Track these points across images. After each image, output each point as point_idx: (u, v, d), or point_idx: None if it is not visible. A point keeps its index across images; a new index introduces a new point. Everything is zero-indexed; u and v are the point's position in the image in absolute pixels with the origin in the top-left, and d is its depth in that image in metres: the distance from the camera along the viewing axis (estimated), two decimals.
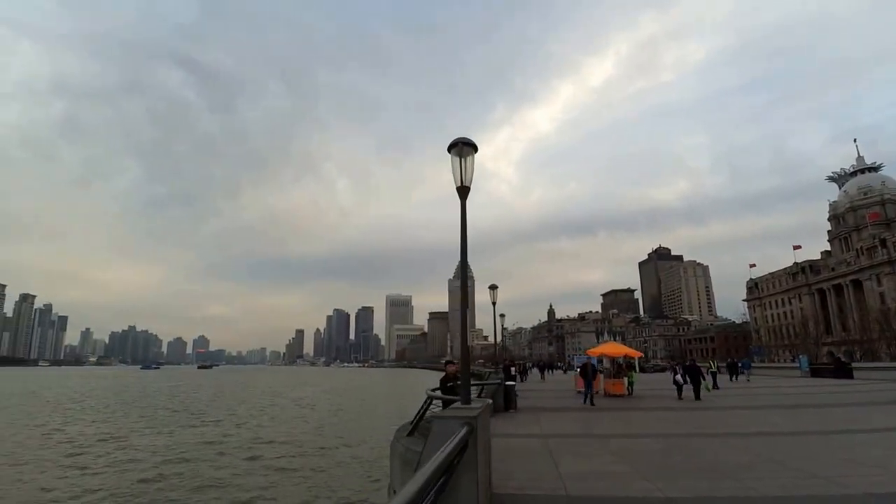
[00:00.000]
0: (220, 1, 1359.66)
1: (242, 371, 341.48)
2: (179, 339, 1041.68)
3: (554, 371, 77.87)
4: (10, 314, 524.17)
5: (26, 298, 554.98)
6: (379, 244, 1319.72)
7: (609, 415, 20.29)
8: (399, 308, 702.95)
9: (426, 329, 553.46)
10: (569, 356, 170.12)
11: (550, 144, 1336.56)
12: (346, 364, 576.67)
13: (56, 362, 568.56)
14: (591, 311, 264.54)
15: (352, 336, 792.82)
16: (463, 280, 8.63)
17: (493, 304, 29.07)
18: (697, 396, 25.90)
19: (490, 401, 12.30)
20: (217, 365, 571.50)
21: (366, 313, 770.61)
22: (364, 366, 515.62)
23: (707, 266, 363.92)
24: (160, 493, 21.62)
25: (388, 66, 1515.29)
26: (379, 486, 21.72)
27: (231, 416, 49.40)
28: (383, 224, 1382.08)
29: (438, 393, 13.48)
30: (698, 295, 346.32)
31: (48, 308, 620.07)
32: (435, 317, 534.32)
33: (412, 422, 12.56)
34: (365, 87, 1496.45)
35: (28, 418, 47.32)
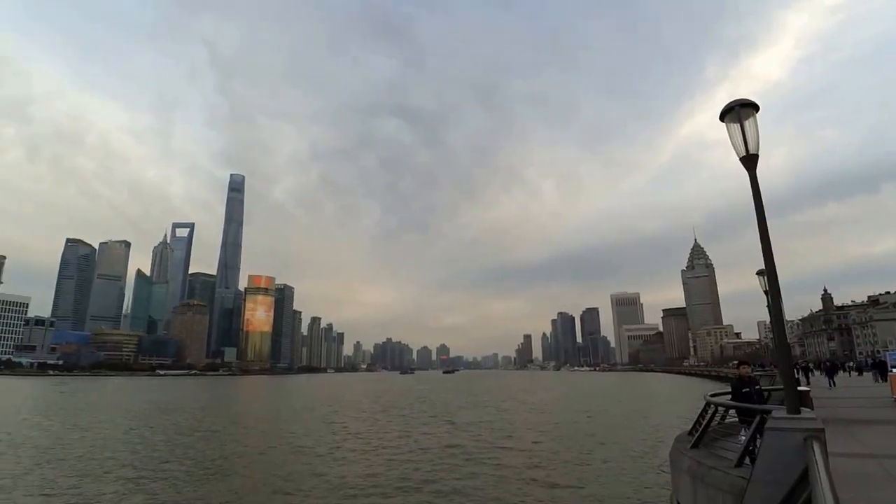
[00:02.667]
0: (415, 50, 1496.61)
1: (482, 375, 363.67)
2: (425, 347, 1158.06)
3: (848, 372, 56.88)
4: (305, 333, 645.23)
5: (315, 321, 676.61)
6: (594, 242, 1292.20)
7: None
8: (626, 307, 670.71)
9: (660, 328, 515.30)
10: (862, 353, 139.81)
11: (786, 91, 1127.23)
12: (576, 368, 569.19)
13: (338, 369, 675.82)
14: (887, 293, 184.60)
15: (578, 339, 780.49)
16: (770, 268, 7.46)
17: (766, 292, 25.85)
18: None
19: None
20: (457, 370, 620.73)
21: (591, 315, 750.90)
22: (595, 369, 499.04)
23: None
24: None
25: (577, 58, 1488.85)
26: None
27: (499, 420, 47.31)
28: (596, 220, 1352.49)
29: (721, 399, 11.56)
30: None
31: (330, 327, 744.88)
32: (670, 314, 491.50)
33: (692, 431, 11.41)
34: (557, 87, 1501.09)
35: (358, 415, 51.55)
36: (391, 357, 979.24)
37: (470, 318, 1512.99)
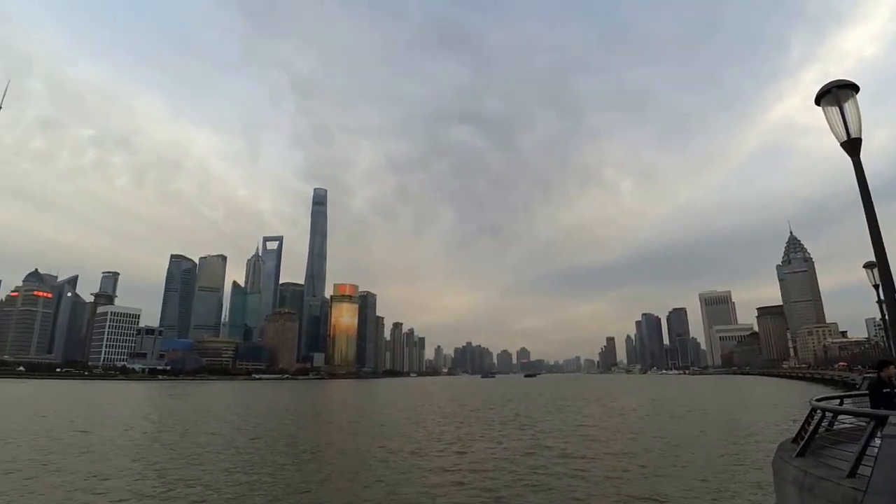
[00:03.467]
0: (482, 57, 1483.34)
1: (564, 379, 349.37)
2: (505, 351, 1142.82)
3: None
4: (388, 338, 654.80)
5: (397, 326, 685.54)
6: (678, 239, 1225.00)
7: None
8: (716, 307, 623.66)
9: (755, 328, 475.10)
10: None
11: (883, 68, 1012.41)
12: (664, 371, 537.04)
13: (420, 373, 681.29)
14: None
15: (665, 341, 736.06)
16: (882, 260, 6.65)
17: (876, 286, 19.05)
18: None
19: None
20: (539, 373, 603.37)
21: (678, 315, 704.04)
22: (684, 372, 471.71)
23: None
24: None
25: (649, 48, 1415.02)
26: None
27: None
28: (678, 216, 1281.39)
29: (829, 404, 9.91)
30: None
31: (411, 332, 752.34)
32: (765, 312, 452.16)
33: (797, 438, 9.98)
34: (630, 80, 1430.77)
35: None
36: (471, 361, 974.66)
37: (549, 321, 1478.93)
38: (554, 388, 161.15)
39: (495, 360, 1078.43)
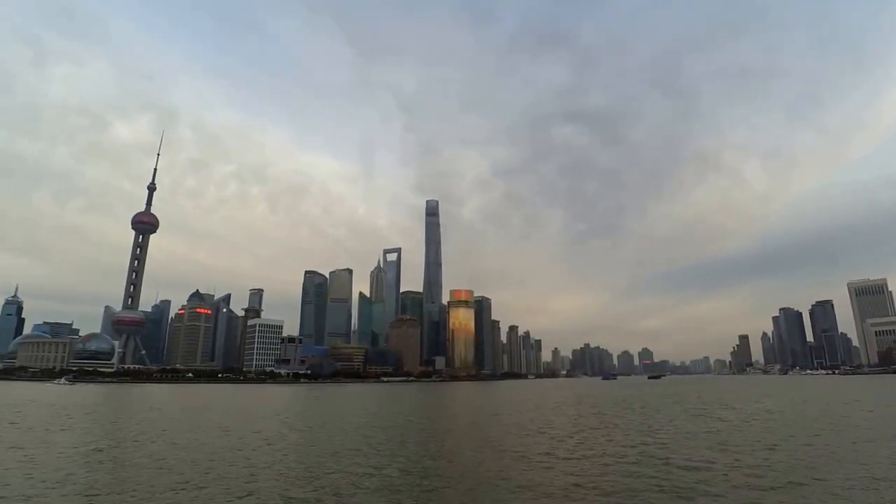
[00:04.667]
0: (582, 52, 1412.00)
1: (691, 380, 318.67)
2: (626, 352, 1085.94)
3: None
4: (505, 341, 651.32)
5: (513, 329, 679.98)
6: (816, 224, 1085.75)
7: None
8: (870, 297, 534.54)
9: None
10: None
11: None
12: (808, 371, 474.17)
13: (538, 375, 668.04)
14: None
15: (809, 338, 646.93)
16: None
17: None
18: None
19: None
20: (663, 375, 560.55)
21: (823, 309, 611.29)
22: (833, 372, 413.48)
23: None
24: None
25: (771, 14, 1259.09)
26: None
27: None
28: (815, 199, 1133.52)
29: None
30: None
31: (527, 335, 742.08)
32: None
33: None
34: (750, 53, 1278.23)
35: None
36: (590, 362, 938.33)
37: (670, 320, 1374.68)
38: (679, 389, 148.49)
39: (615, 362, 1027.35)
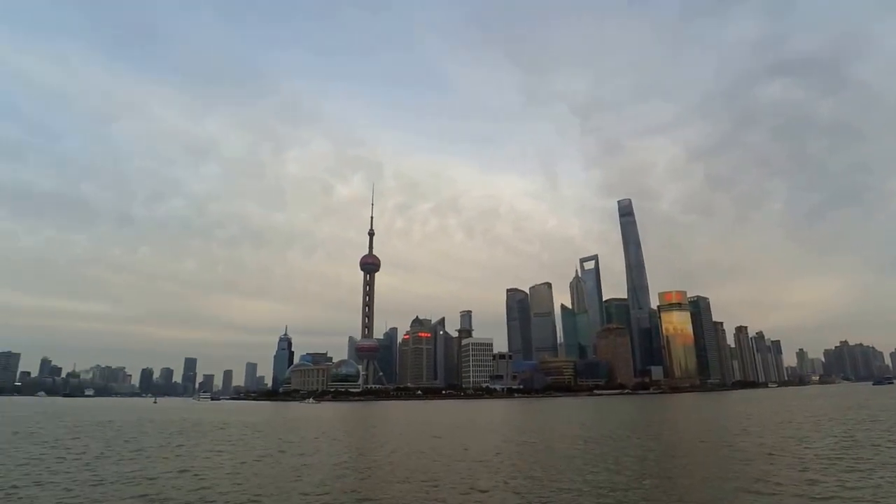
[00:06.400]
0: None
1: None
2: None
3: None
4: (733, 345, 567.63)
5: (740, 330, 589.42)
6: None
7: None
8: None
9: None
10: None
11: None
12: None
13: (782, 383, 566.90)
14: None
15: None
16: None
17: None
18: None
19: None
20: None
21: None
22: None
23: None
24: None
25: None
26: None
27: None
28: None
29: None
30: None
31: (760, 335, 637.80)
32: None
33: None
34: None
35: None
36: (851, 364, 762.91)
37: None
38: None
39: (888, 361, 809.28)
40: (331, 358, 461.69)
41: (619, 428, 61.01)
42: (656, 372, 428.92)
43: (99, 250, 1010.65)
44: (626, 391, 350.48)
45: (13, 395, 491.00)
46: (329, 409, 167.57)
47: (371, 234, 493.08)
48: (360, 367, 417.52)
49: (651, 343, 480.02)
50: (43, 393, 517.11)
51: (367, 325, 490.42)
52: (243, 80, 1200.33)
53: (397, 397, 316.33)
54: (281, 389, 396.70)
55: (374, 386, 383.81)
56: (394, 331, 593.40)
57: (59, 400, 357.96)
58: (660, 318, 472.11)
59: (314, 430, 68.40)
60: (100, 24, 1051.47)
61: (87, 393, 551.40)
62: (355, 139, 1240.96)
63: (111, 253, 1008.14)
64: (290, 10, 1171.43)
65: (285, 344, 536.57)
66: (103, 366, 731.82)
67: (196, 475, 29.23)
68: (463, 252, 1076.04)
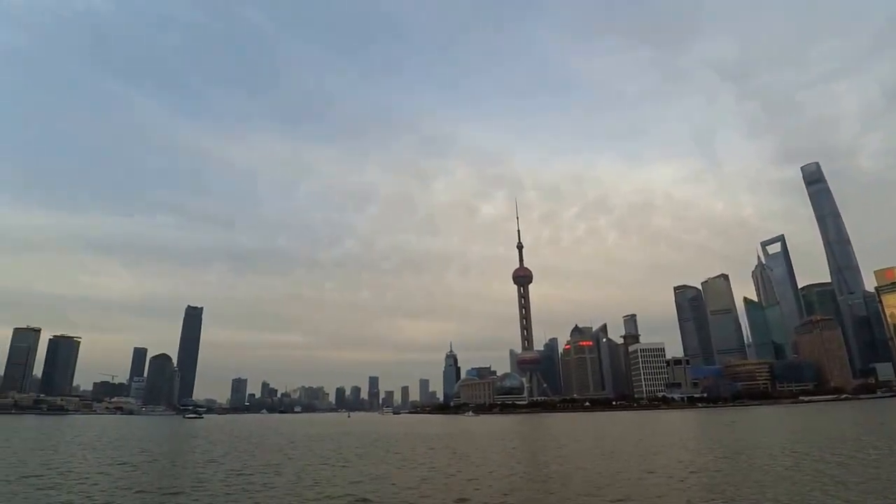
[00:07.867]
0: None
1: None
2: None
3: None
4: None
5: None
6: None
7: None
8: None
9: None
10: None
11: None
12: None
13: None
14: None
15: None
16: None
17: None
18: None
19: None
20: None
21: None
22: None
23: None
24: None
25: None
26: None
27: None
28: None
29: None
30: None
31: None
32: None
33: None
34: None
35: None
36: None
37: None
38: None
39: None
40: (494, 372, 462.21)
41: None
42: (883, 370, 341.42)
43: (296, 290, 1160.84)
44: (843, 396, 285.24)
45: (244, 412, 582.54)
46: (495, 421, 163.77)
47: (520, 247, 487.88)
48: (523, 379, 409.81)
49: (872, 335, 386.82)
50: (265, 410, 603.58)
51: (527, 337, 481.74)
52: (386, 127, 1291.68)
53: (564, 409, 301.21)
54: (452, 403, 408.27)
55: (539, 398, 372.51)
56: (554, 341, 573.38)
57: (279, 416, 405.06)
58: (880, 302, 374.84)
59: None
60: (277, 105, 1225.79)
61: (296, 410, 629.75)
62: (492, 158, 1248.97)
63: (305, 292, 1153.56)
64: (411, 53, 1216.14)
65: (451, 360, 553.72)
66: (307, 386, 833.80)
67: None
68: (618, 253, 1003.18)
